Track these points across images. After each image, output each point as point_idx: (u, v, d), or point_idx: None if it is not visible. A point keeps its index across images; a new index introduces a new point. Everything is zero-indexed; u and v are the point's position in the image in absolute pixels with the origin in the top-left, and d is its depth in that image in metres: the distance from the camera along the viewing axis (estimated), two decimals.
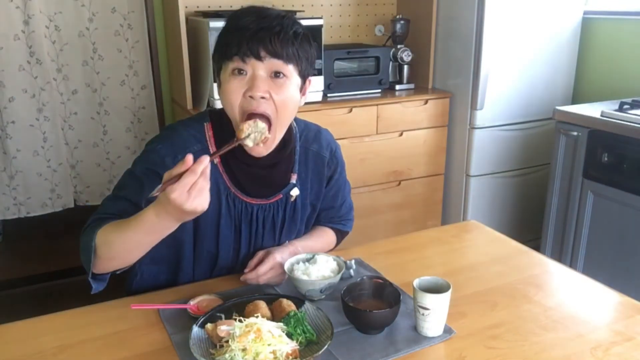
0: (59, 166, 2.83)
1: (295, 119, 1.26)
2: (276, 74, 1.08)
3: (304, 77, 1.14)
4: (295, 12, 1.16)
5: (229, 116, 1.12)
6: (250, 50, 1.04)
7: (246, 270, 1.19)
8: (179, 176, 0.88)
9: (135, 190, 1.10)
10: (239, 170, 1.18)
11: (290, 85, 1.10)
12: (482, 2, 2.52)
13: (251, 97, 1.06)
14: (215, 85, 1.17)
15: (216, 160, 1.16)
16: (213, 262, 1.26)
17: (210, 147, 1.16)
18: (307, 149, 1.27)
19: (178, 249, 1.23)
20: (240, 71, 1.07)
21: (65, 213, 2.96)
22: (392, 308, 1.02)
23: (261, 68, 1.06)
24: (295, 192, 1.24)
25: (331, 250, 1.42)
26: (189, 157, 0.88)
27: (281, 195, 1.23)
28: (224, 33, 1.11)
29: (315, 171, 1.29)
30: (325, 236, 1.39)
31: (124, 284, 1.34)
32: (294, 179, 1.24)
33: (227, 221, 1.20)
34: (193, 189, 0.87)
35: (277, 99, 1.08)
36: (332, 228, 1.41)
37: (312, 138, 1.29)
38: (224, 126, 1.17)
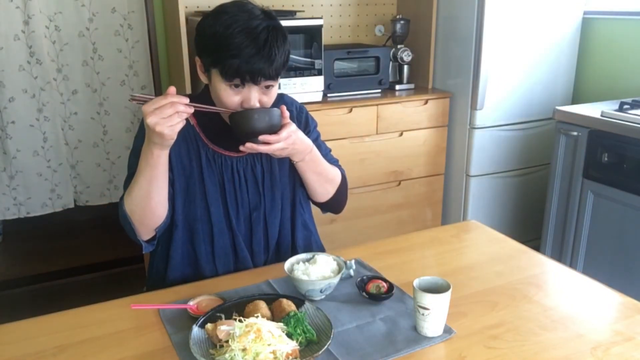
0: (59, 166, 2.83)
1: None
2: (267, 87, 1.21)
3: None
4: (273, 11, 1.25)
5: (221, 111, 1.24)
6: (251, 79, 1.16)
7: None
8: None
9: None
10: (216, 127, 1.29)
11: (276, 86, 1.23)
12: (482, 2, 2.52)
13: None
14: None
15: (193, 122, 1.28)
16: (209, 229, 1.30)
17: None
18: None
19: (172, 217, 1.28)
20: (237, 86, 1.18)
21: (65, 213, 2.96)
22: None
23: (256, 88, 1.19)
24: None
25: (336, 197, 1.40)
26: (171, 88, 1.06)
27: None
28: (215, 47, 1.17)
29: None
30: (329, 164, 1.39)
31: (144, 282, 1.42)
32: None
33: (211, 177, 1.29)
34: (158, 109, 1.04)
35: (266, 102, 1.22)
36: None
37: (276, 100, 1.38)
38: (198, 100, 1.26)
